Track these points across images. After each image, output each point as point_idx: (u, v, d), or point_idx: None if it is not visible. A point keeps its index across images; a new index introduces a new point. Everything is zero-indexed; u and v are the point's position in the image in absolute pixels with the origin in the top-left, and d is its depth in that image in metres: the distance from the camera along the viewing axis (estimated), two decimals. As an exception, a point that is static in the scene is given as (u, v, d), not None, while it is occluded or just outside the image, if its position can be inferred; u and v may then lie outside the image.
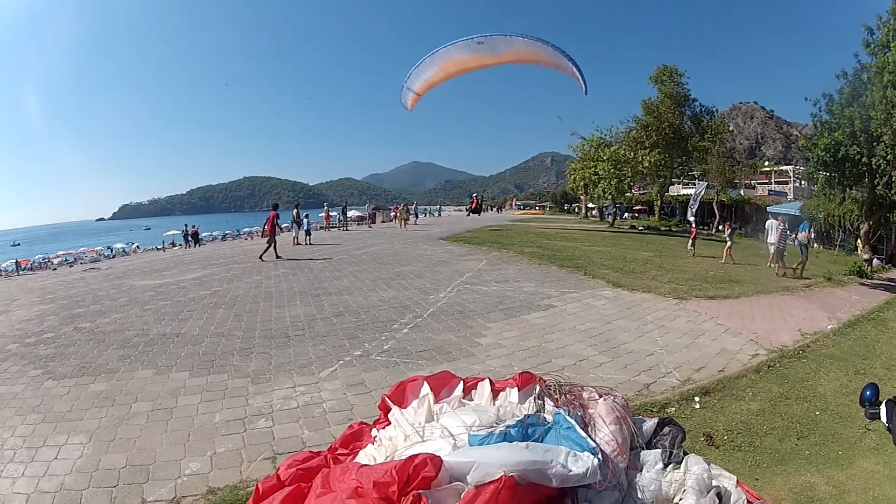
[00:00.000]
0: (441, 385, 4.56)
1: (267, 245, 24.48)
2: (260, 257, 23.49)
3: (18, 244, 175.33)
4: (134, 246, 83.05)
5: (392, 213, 63.07)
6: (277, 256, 24.06)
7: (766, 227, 22.89)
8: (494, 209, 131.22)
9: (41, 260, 70.30)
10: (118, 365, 9.07)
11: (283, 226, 33.47)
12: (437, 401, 4.41)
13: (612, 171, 49.35)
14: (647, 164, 52.06)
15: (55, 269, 46.12)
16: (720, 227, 52.57)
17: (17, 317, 14.49)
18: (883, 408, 3.55)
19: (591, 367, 8.34)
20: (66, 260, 66.34)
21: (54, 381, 8.55)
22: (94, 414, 7.17)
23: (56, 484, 5.51)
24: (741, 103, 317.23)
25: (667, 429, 4.00)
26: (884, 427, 3.53)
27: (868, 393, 3.75)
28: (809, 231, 22.44)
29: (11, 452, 6.25)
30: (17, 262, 62.35)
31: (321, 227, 51.05)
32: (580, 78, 26.74)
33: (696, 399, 7.18)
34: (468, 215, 63.59)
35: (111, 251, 74.66)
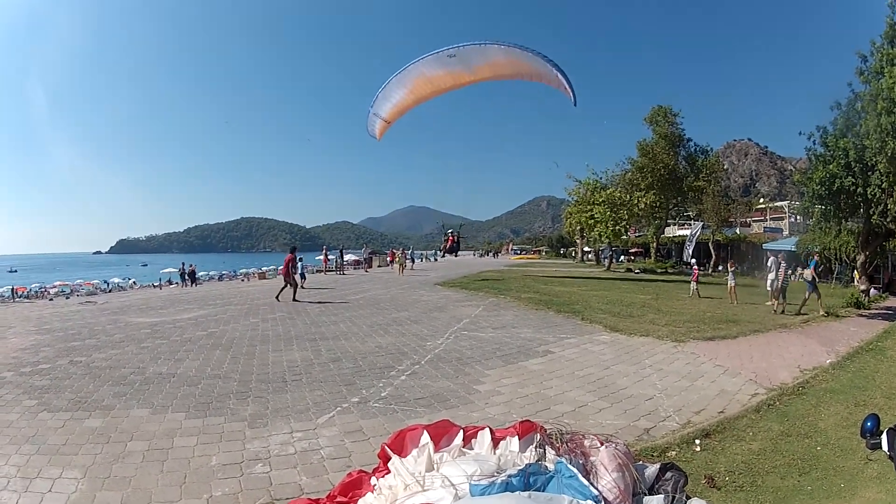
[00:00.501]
0: (441, 434, 4.51)
1: (284, 284, 24.60)
2: (276, 297, 23.69)
3: (15, 271, 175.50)
4: (130, 281, 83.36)
5: (388, 259, 63.45)
6: (294, 300, 23.76)
7: (767, 264, 22.91)
8: (491, 254, 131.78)
9: (38, 289, 70.49)
10: (114, 402, 9.06)
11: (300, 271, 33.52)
12: (437, 450, 4.36)
13: (607, 213, 49.55)
14: (642, 207, 52.34)
15: (51, 300, 46.82)
16: (719, 268, 52.76)
17: (13, 345, 14.59)
18: (884, 437, 3.54)
19: (590, 414, 8.31)
20: (63, 291, 66.78)
21: (49, 414, 8.56)
22: (88, 449, 7.13)
23: None
24: (735, 141, 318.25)
25: (669, 474, 3.99)
26: (885, 456, 3.53)
27: (869, 424, 3.74)
28: (815, 267, 22.39)
29: (5, 481, 6.26)
30: (13, 288, 62.31)
31: (318, 271, 51.09)
32: (567, 87, 24.85)
33: (697, 442, 7.13)
34: (443, 256, 60.49)
35: (107, 285, 75.01)
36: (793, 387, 10.07)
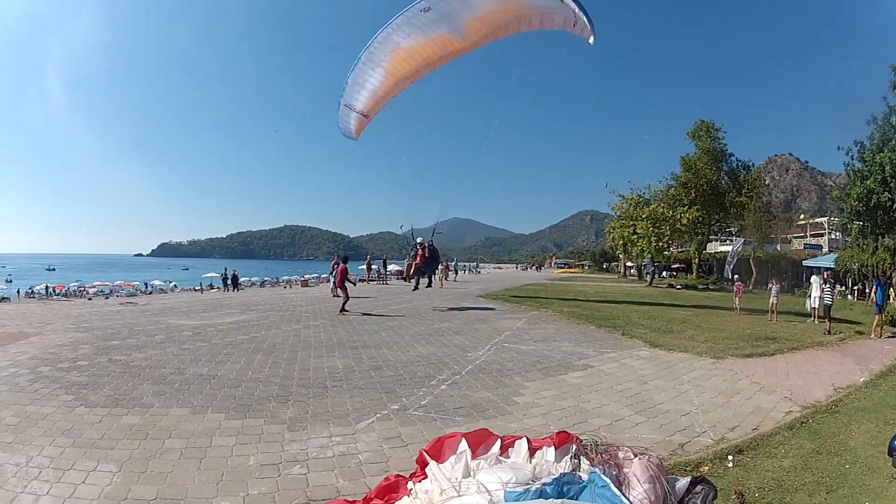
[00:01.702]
0: (479, 442, 4.63)
1: (343, 297, 23.23)
2: (340, 311, 22.23)
3: (54, 269, 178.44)
4: (171, 284, 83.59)
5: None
6: (343, 310, 22.45)
7: (811, 282, 22.68)
8: (534, 267, 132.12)
9: (76, 288, 71.25)
10: (153, 400, 9.24)
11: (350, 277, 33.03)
12: (474, 457, 4.48)
13: (650, 229, 49.32)
14: (685, 222, 51.96)
15: (90, 299, 48.10)
16: (767, 286, 52.26)
17: (51, 341, 14.97)
18: None
19: (626, 427, 8.31)
20: (102, 291, 67.36)
21: (86, 409, 8.76)
22: (125, 445, 7.26)
23: None
24: (776, 156, 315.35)
25: (699, 487, 4.10)
26: None
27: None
28: (888, 288, 21.82)
29: (37, 471, 6.41)
30: (46, 286, 64.69)
31: (361, 280, 51.11)
32: (583, 16, 18.58)
33: (730, 458, 7.15)
34: (408, 281, 32.24)
35: (147, 287, 75.60)
36: (826, 405, 10.05)
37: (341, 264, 25.37)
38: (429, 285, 30.87)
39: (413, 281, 29.58)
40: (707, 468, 6.86)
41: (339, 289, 24.58)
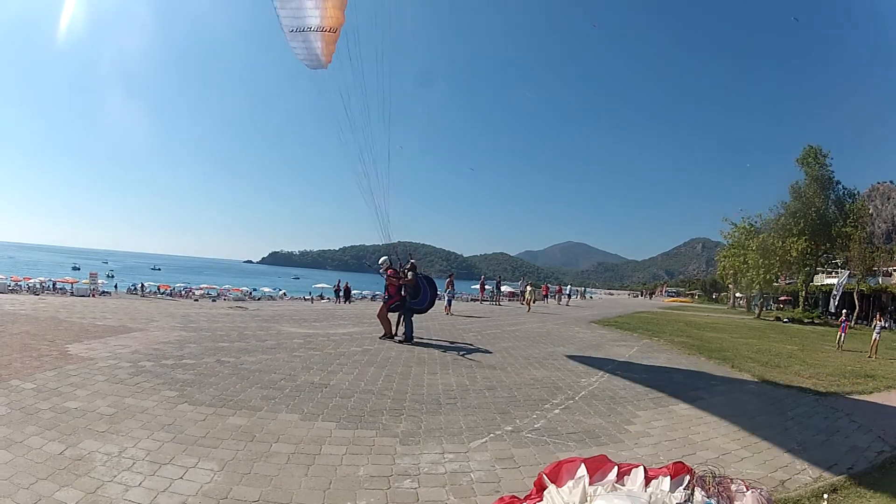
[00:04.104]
0: (596, 468, 4.89)
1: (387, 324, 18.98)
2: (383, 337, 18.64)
3: (159, 269, 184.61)
4: (281, 292, 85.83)
5: (542, 293, 62.04)
6: (388, 336, 18.60)
7: None
8: (645, 295, 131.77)
9: (182, 288, 74.18)
10: (261, 404, 9.50)
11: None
12: (591, 483, 4.72)
13: (759, 260, 48.99)
14: (794, 254, 51.32)
15: (196, 300, 50.85)
16: (871, 321, 50.93)
17: (155, 337, 15.66)
18: None
19: (732, 462, 8.27)
20: (209, 293, 70.35)
21: (190, 406, 9.05)
22: (230, 445, 7.43)
23: (177, 502, 5.80)
24: (879, 183, 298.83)
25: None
26: None
27: None
28: None
29: (129, 462, 6.63)
30: (141, 284, 70.04)
31: (473, 299, 51.70)
32: None
33: (825, 496, 7.13)
34: (398, 320, 19.81)
35: (255, 293, 78.67)
36: (917, 446, 9.82)
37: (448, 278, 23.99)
38: (405, 337, 18.68)
39: (388, 324, 19.18)
40: (804, 506, 6.96)
41: (388, 308, 19.01)
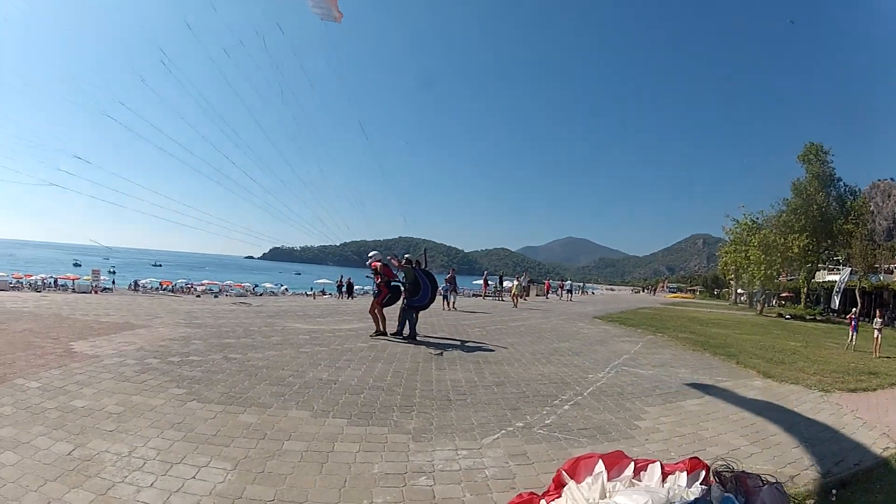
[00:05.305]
0: (614, 463, 4.86)
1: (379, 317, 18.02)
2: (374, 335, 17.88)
3: (160, 265, 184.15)
4: (283, 288, 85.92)
5: (545, 289, 63.08)
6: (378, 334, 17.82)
7: None
8: (647, 290, 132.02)
9: (184, 284, 74.39)
10: (271, 401, 9.40)
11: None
12: (609, 479, 4.71)
13: (761, 256, 49.00)
14: (796, 250, 51.31)
15: (198, 296, 49.99)
16: (872, 318, 50.69)
17: (160, 334, 15.43)
18: None
19: (742, 458, 8.08)
20: (210, 289, 71.11)
21: (199, 404, 8.92)
22: (241, 443, 7.35)
23: (191, 502, 5.72)
24: (880, 180, 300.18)
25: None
26: None
27: None
28: None
29: (140, 461, 6.53)
30: (135, 281, 69.53)
31: (475, 295, 51.69)
32: None
33: (833, 492, 7.26)
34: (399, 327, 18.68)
35: (257, 289, 78.66)
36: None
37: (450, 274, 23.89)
38: (410, 335, 17.80)
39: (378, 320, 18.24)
40: (812, 501, 7.07)
41: (380, 305, 18.02)
